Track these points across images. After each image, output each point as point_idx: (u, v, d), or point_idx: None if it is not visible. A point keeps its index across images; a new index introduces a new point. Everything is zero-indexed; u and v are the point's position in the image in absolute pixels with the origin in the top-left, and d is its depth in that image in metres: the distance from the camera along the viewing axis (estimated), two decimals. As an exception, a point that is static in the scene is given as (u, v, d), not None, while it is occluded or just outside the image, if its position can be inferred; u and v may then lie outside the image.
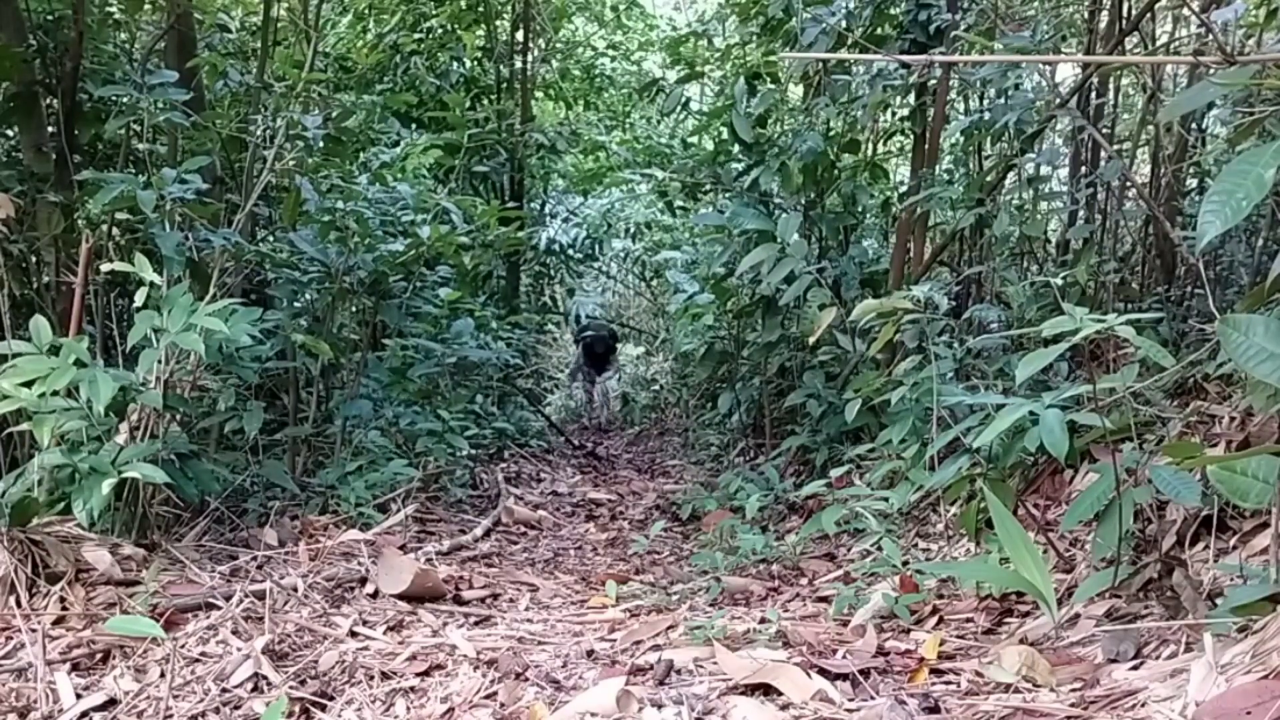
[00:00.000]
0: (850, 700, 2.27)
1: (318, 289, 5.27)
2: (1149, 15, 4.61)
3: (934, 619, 2.93)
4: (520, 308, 8.95)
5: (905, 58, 4.09)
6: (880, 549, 3.47)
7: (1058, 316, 2.42)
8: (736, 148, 6.25)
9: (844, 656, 2.56)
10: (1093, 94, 4.98)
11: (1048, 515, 3.51)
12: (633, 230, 11.13)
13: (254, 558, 3.75)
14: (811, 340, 5.06)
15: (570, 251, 10.56)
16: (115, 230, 4.38)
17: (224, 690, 2.49)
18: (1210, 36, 2.35)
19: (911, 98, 5.73)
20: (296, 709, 2.41)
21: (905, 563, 3.36)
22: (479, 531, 4.96)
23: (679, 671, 2.50)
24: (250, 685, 2.52)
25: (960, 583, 3.13)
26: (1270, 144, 1.92)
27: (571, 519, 6.08)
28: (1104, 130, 5.06)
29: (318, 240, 5.15)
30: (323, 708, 2.44)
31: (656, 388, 11.67)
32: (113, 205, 3.87)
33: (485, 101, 9.03)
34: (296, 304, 5.39)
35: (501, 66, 9.23)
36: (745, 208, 5.79)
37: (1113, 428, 2.86)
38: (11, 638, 2.75)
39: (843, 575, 3.69)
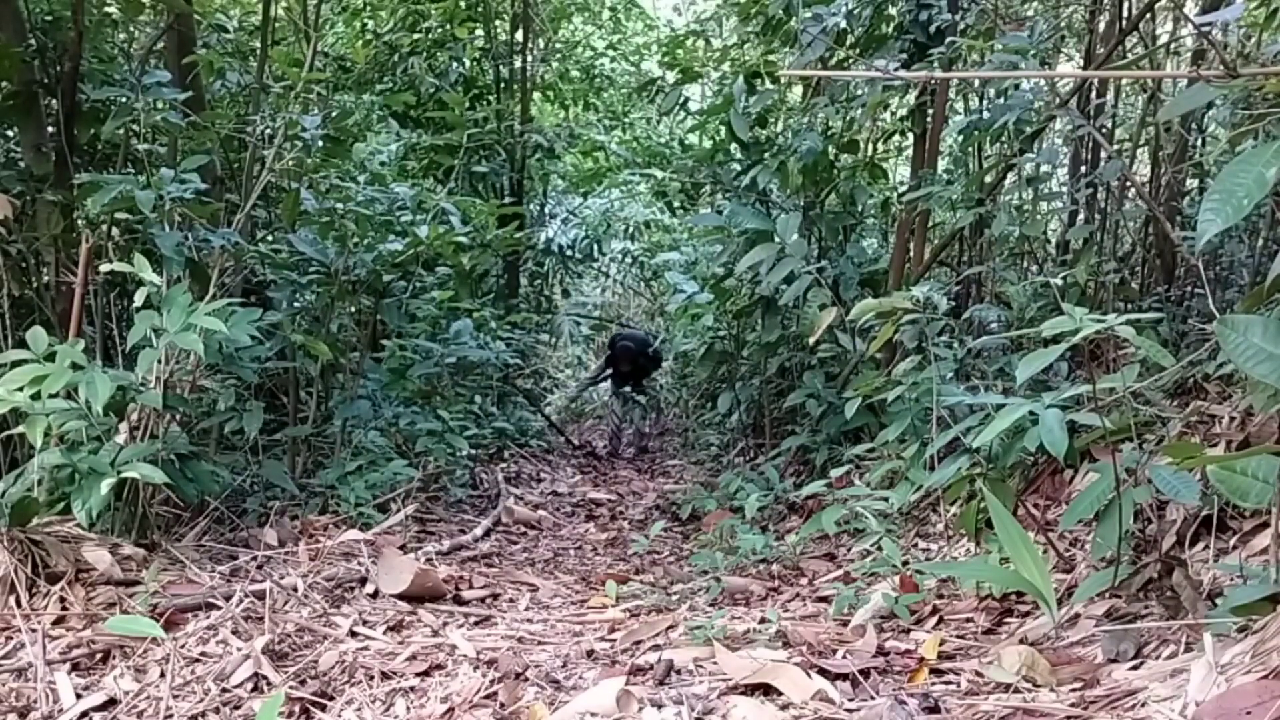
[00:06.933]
0: (850, 700, 2.27)
1: (316, 290, 5.26)
2: (1149, 15, 4.61)
3: (934, 619, 2.93)
4: (519, 308, 8.94)
5: (905, 74, 4.08)
6: (880, 549, 3.47)
7: (1058, 316, 2.42)
8: (735, 147, 6.24)
9: (844, 656, 2.56)
10: (1092, 94, 4.98)
11: (1048, 515, 3.51)
12: (632, 230, 11.12)
13: (254, 558, 3.74)
14: (811, 340, 5.06)
15: (569, 252, 10.51)
16: (115, 230, 4.37)
17: (224, 690, 2.49)
18: (1211, 42, 2.35)
19: (911, 97, 5.72)
20: (296, 709, 2.41)
21: (905, 563, 3.36)
22: (479, 531, 4.96)
23: (679, 671, 2.50)
24: (250, 685, 2.53)
25: (960, 583, 3.12)
26: (1271, 143, 1.92)
27: (571, 519, 6.08)
28: (1104, 130, 5.05)
29: (317, 241, 5.14)
30: (323, 708, 2.44)
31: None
32: (111, 205, 3.87)
33: (485, 102, 9.03)
34: (296, 304, 5.39)
35: (500, 66, 9.22)
36: (744, 208, 5.78)
37: (1113, 428, 2.86)
38: (11, 638, 2.75)
39: (843, 575, 3.69)
